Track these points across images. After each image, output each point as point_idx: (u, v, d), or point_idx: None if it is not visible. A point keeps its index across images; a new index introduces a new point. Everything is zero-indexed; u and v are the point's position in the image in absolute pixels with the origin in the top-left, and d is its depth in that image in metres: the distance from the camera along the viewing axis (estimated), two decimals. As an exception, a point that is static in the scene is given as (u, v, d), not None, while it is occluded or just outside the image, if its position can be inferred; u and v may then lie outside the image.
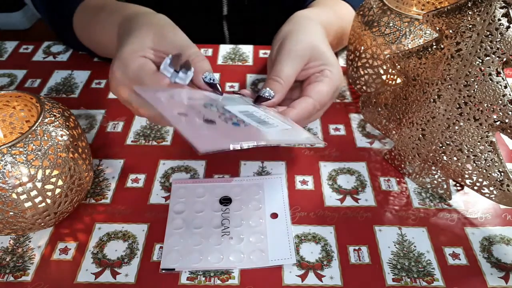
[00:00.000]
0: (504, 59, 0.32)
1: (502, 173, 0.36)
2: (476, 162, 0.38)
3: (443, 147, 0.39)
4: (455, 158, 0.39)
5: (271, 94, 0.39)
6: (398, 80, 0.49)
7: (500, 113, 0.34)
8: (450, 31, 0.34)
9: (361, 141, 0.49)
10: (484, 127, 0.36)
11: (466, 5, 0.32)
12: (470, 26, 0.33)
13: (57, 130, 0.36)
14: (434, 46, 0.36)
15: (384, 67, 0.49)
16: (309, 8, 0.54)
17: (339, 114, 0.53)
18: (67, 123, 0.37)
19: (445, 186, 0.42)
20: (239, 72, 0.60)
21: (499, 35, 0.31)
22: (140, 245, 0.38)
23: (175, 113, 0.31)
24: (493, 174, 0.37)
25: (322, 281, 0.36)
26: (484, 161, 0.37)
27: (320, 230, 0.40)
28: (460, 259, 0.38)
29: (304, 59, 0.41)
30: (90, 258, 0.37)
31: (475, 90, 0.34)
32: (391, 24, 0.46)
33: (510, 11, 0.31)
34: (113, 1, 0.51)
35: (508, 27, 0.31)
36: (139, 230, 0.40)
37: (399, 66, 0.40)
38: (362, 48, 0.50)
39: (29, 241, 0.39)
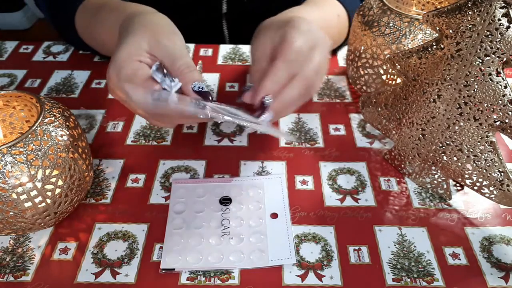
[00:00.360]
0: (504, 59, 0.32)
1: (502, 173, 0.36)
2: (476, 162, 0.38)
3: (443, 147, 0.39)
4: (455, 158, 0.39)
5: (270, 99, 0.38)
6: (398, 80, 0.49)
7: (500, 113, 0.34)
8: (450, 31, 0.34)
9: (361, 141, 0.49)
10: (484, 127, 0.36)
11: (466, 5, 0.32)
12: (470, 26, 0.33)
13: (57, 130, 0.36)
14: (434, 46, 0.36)
15: (384, 67, 0.49)
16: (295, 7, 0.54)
17: (339, 114, 0.53)
18: (67, 123, 0.37)
19: (445, 186, 0.42)
20: (239, 72, 0.60)
21: (499, 35, 0.31)
22: (140, 245, 0.38)
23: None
24: (493, 174, 0.37)
25: (322, 281, 0.36)
26: (484, 161, 0.37)
27: (320, 230, 0.40)
28: (460, 259, 0.38)
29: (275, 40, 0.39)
30: (90, 258, 0.37)
31: (475, 90, 0.34)
32: (391, 24, 0.46)
33: (510, 11, 0.31)
34: (114, 0, 0.51)
35: (508, 27, 0.31)
36: (139, 230, 0.40)
37: (399, 66, 0.40)
38: (362, 48, 0.50)
39: (29, 241, 0.39)
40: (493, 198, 0.38)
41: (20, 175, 0.33)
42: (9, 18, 1.80)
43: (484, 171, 0.37)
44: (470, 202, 0.42)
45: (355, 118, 0.52)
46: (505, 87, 0.33)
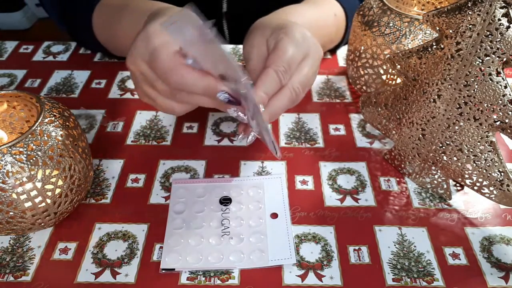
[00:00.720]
0: (504, 59, 0.32)
1: (502, 173, 0.36)
2: (476, 162, 0.38)
3: (443, 147, 0.39)
4: (455, 158, 0.39)
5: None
6: (398, 80, 0.49)
7: (500, 113, 0.34)
8: (450, 31, 0.34)
9: (361, 141, 0.49)
10: (484, 127, 0.36)
11: (466, 5, 0.32)
12: (470, 26, 0.33)
13: (57, 130, 0.36)
14: (434, 46, 0.36)
15: (384, 67, 0.49)
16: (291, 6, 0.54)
17: (339, 114, 0.53)
18: (67, 123, 0.37)
19: (445, 186, 0.42)
20: (239, 72, 0.60)
21: (499, 35, 0.31)
22: (140, 245, 0.38)
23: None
24: (493, 174, 0.37)
25: (322, 281, 0.36)
26: (484, 161, 0.37)
27: (320, 230, 0.40)
28: (460, 259, 0.38)
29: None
30: (90, 258, 0.37)
31: (475, 90, 0.34)
32: (391, 24, 0.46)
33: (510, 11, 0.31)
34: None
35: (508, 27, 0.31)
36: (139, 230, 0.40)
37: (399, 66, 0.40)
38: (362, 48, 0.50)
39: (29, 241, 0.39)
40: (493, 198, 0.38)
41: (20, 175, 0.33)
42: (9, 18, 1.80)
43: (484, 171, 0.37)
44: (470, 202, 0.42)
45: (355, 118, 0.52)
46: (505, 87, 0.33)
